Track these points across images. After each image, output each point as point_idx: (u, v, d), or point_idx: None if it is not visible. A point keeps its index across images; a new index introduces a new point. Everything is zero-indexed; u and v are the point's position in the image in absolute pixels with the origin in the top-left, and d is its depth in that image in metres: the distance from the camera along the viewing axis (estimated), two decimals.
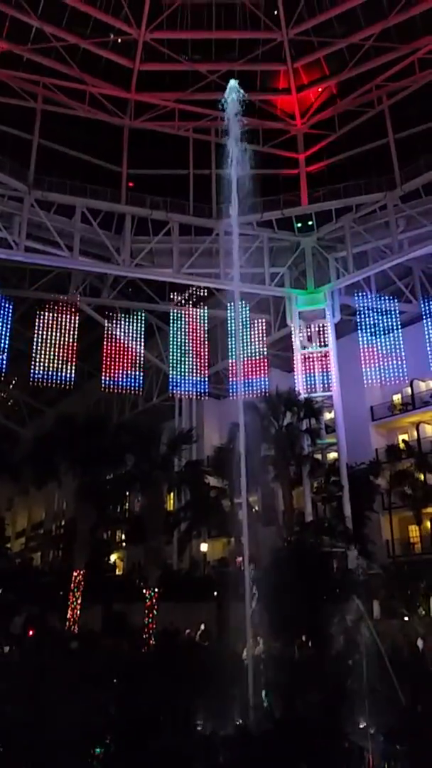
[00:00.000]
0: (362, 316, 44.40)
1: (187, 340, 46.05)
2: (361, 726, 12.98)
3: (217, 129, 44.30)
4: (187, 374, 45.76)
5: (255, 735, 12.01)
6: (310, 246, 45.64)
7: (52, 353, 42.90)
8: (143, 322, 46.40)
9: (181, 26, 42.85)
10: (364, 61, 42.36)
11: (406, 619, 28.22)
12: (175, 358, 45.74)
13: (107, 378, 44.32)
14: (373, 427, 48.19)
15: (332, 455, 44.98)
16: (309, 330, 45.08)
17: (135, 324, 45.97)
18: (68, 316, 43.95)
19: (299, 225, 46.08)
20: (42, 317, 43.34)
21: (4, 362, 41.95)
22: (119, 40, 42.83)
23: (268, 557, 27.82)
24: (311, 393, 43.03)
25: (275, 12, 42.17)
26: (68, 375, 42.85)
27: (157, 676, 15.92)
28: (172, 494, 42.63)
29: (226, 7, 42.72)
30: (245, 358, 44.16)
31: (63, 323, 43.62)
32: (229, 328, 45.50)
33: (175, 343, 45.95)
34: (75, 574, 31.89)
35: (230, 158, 18.18)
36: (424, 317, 42.86)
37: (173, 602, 32.14)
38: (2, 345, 41.87)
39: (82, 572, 32.01)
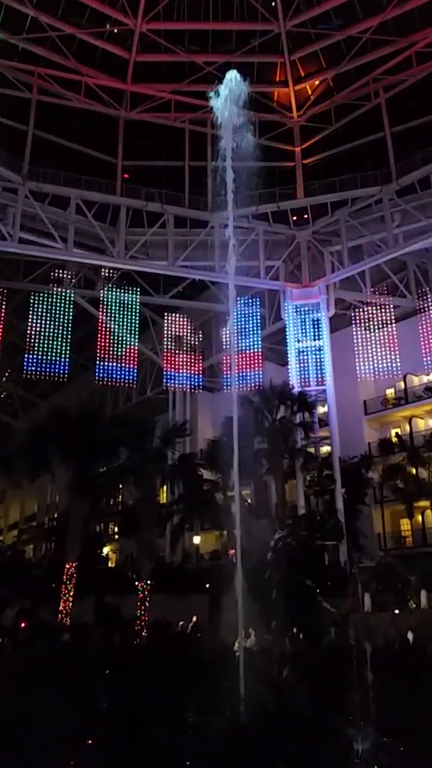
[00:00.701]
0: (356, 310, 44.44)
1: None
2: (351, 718, 13.02)
3: (213, 121, 44.03)
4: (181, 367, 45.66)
5: (246, 728, 12.02)
6: (306, 239, 45.59)
7: (45, 345, 42.68)
8: (137, 314, 46.18)
9: (178, 17, 42.54)
10: (361, 53, 42.20)
11: (396, 612, 28.37)
12: (169, 350, 45.61)
13: (101, 370, 44.13)
14: (366, 421, 48.37)
15: (325, 449, 45.11)
16: (303, 324, 45.05)
17: (129, 316, 45.72)
18: (62, 308, 43.67)
19: (295, 218, 46.00)
20: (35, 309, 43.09)
21: None
22: (115, 31, 42.55)
23: (260, 550, 27.87)
24: (305, 387, 43.07)
25: (272, 3, 41.95)
26: (62, 367, 42.68)
27: (148, 668, 15.94)
28: (165, 487, 42.70)
29: None
30: (239, 352, 44.08)
31: (57, 315, 43.36)
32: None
33: (169, 336, 45.80)
34: (67, 566, 31.85)
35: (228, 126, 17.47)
36: (418, 312, 42.93)
37: (165, 595, 32.19)
38: None
39: (74, 565, 31.97)
